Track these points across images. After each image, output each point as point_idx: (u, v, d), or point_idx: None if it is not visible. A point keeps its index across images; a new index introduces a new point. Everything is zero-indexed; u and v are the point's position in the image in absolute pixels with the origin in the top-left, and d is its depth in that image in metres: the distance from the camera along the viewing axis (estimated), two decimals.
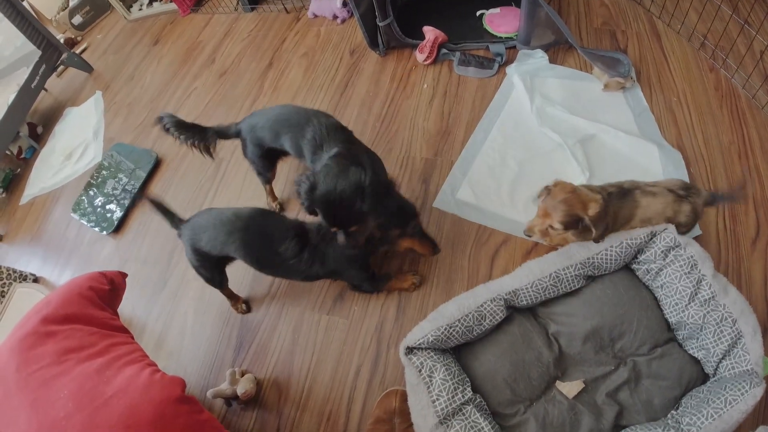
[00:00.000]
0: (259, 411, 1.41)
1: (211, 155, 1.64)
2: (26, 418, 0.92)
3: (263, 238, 1.34)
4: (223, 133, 1.60)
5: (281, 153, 1.55)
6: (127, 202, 2.04)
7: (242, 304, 1.61)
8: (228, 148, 2.01)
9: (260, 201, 1.83)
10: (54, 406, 0.92)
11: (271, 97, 2.14)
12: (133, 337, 1.26)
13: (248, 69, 2.31)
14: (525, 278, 1.24)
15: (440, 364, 1.16)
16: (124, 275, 1.44)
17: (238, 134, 1.58)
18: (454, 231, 1.56)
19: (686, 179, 1.58)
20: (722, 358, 1.11)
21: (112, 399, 0.93)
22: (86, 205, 2.13)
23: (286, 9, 2.49)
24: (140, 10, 2.86)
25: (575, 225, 1.17)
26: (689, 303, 1.17)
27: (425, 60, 1.99)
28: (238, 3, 2.59)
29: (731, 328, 1.10)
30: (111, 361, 1.05)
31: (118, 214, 2.02)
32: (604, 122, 1.70)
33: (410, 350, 1.19)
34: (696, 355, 1.17)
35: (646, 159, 1.60)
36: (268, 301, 1.59)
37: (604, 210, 1.14)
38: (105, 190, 2.12)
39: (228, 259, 1.47)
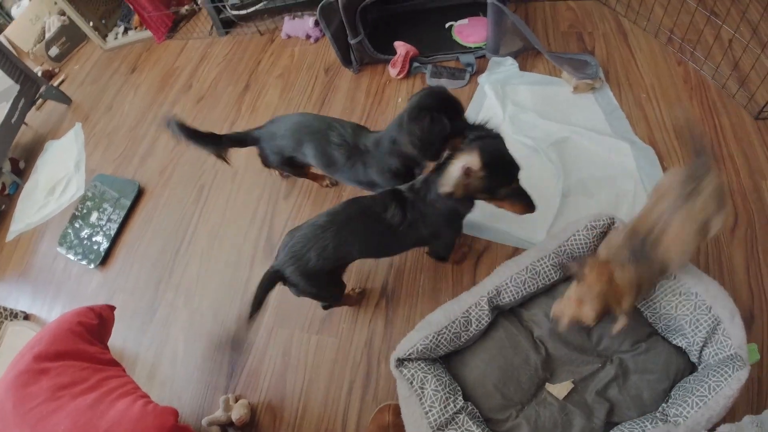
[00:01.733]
0: None
1: (226, 161, 1.61)
2: None
3: (368, 220, 1.24)
4: (239, 141, 1.58)
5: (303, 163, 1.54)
6: (112, 233, 2.04)
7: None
8: (209, 173, 2.03)
9: (246, 220, 1.84)
10: None
11: (249, 119, 2.16)
12: (124, 370, 1.28)
13: (225, 92, 2.33)
14: (503, 274, 1.27)
15: (431, 375, 1.17)
16: (112, 308, 1.45)
17: (255, 142, 1.56)
18: None
19: (660, 173, 1.61)
20: (703, 346, 1.13)
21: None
22: (72, 238, 2.12)
23: (259, 31, 2.51)
24: (116, 38, 2.87)
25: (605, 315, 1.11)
26: (661, 295, 1.19)
27: (398, 74, 2.02)
28: (212, 27, 2.61)
29: (707, 315, 1.11)
30: (104, 395, 1.08)
31: (105, 245, 2.02)
32: (576, 124, 1.73)
33: (401, 362, 1.20)
34: (680, 344, 1.18)
35: (619, 157, 1.64)
36: (257, 324, 1.59)
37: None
38: (90, 221, 2.12)
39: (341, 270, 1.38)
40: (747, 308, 1.34)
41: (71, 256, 2.08)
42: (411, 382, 1.17)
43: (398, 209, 1.21)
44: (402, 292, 1.52)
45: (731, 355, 1.07)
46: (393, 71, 2.02)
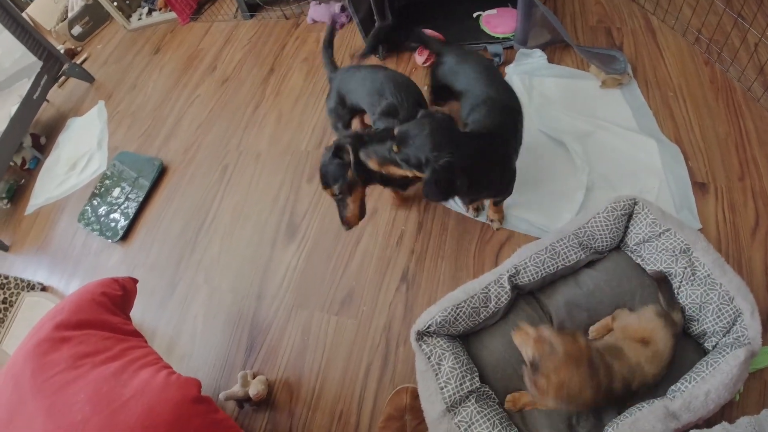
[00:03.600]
0: (271, 412, 1.43)
1: None
2: (42, 423, 0.92)
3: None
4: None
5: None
6: (130, 211, 2.05)
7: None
8: (232, 153, 2.04)
9: (268, 201, 1.86)
10: (71, 411, 0.92)
11: (274, 102, 2.17)
12: (146, 341, 1.28)
13: (250, 75, 2.34)
14: (523, 254, 1.28)
15: (449, 352, 1.19)
16: (135, 281, 1.46)
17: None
18: (458, 229, 1.59)
19: (685, 173, 1.61)
20: (722, 337, 1.13)
21: (129, 401, 0.94)
22: (90, 215, 2.15)
23: (285, 15, 2.52)
24: (140, 19, 2.88)
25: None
26: (685, 284, 1.20)
27: (424, 62, 2.02)
28: (237, 10, 2.62)
29: (729, 305, 1.11)
30: (126, 364, 1.06)
31: (122, 222, 2.04)
32: (602, 119, 1.72)
33: (420, 336, 1.21)
34: (696, 331, 1.19)
35: (645, 154, 1.63)
36: (277, 303, 1.61)
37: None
38: (108, 200, 2.15)
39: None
40: (764, 310, 1.34)
41: (90, 231, 2.10)
42: (429, 357, 1.18)
43: None
44: (423, 278, 1.52)
45: (736, 337, 1.08)
46: (420, 59, 2.02)
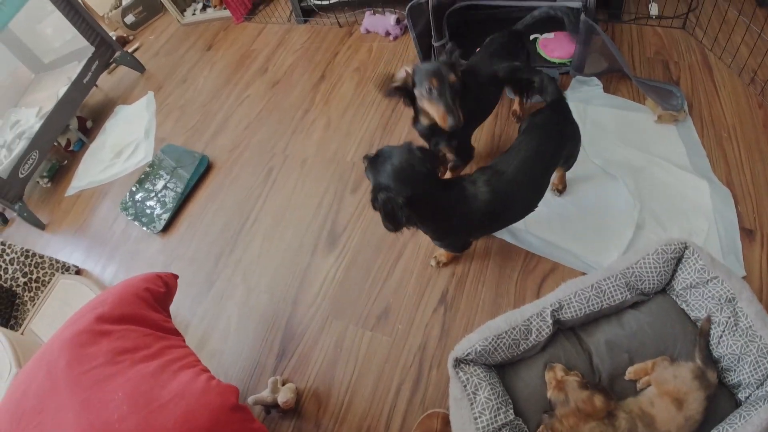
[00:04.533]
0: (298, 421, 1.44)
1: None
2: (75, 417, 0.91)
3: None
4: None
5: None
6: (167, 200, 2.08)
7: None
8: (278, 156, 2.06)
9: (311, 208, 1.87)
10: (107, 408, 0.92)
11: (323, 109, 2.19)
12: (184, 340, 1.28)
13: (300, 80, 2.36)
14: (568, 289, 1.27)
15: (485, 382, 1.18)
16: (176, 277, 1.48)
17: None
18: (501, 255, 1.58)
19: (735, 218, 1.58)
20: (755, 389, 1.11)
21: (168, 403, 0.94)
22: (130, 203, 2.19)
23: (339, 23, 2.54)
24: (194, 14, 2.94)
25: None
26: (727, 333, 1.18)
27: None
28: (291, 14, 2.65)
29: (766, 359, 1.09)
30: (166, 364, 1.05)
31: (158, 211, 2.07)
32: (655, 154, 1.70)
33: (458, 363, 1.21)
34: (732, 381, 1.16)
35: (696, 195, 1.60)
36: (313, 311, 1.62)
37: None
38: (149, 189, 2.19)
39: None
40: None
41: (131, 219, 2.14)
42: (465, 386, 1.17)
43: None
44: (462, 303, 1.52)
45: None
46: None
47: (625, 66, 1.77)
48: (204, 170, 2.13)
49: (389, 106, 2.10)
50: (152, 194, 2.16)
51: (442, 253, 1.58)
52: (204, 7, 2.96)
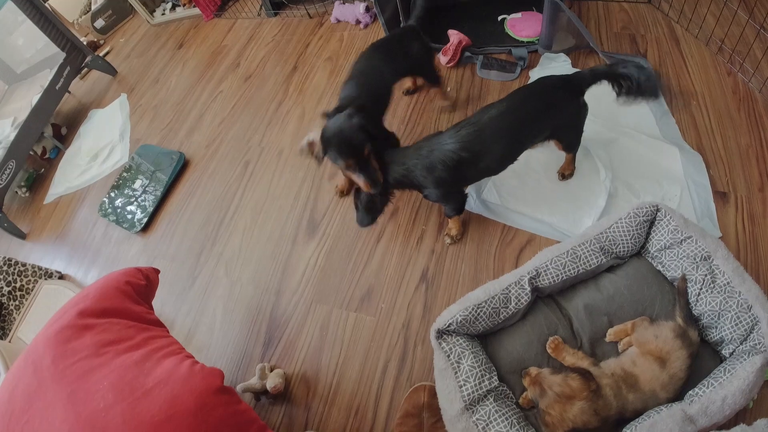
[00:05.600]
0: (288, 406, 1.44)
1: None
2: (62, 410, 0.91)
3: None
4: None
5: None
6: (147, 204, 2.07)
7: None
8: (254, 149, 2.06)
9: (289, 198, 1.88)
10: (93, 398, 0.92)
11: (297, 100, 2.19)
12: (168, 331, 1.28)
13: (273, 73, 2.36)
14: (544, 257, 1.30)
15: (468, 351, 1.20)
16: (157, 271, 1.47)
17: None
18: (478, 231, 1.60)
19: (707, 182, 1.61)
20: (739, 345, 1.14)
21: (153, 390, 0.94)
22: (108, 206, 2.17)
23: (309, 14, 2.54)
24: (163, 14, 2.91)
25: None
26: (705, 291, 1.21)
27: (448, 62, 2.03)
28: (261, 8, 2.64)
29: (747, 314, 1.12)
30: (150, 353, 1.05)
31: (140, 215, 2.06)
32: (626, 126, 1.73)
33: (440, 335, 1.23)
34: (714, 338, 1.20)
35: (667, 162, 1.63)
36: (297, 298, 1.63)
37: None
38: (127, 192, 2.17)
39: None
40: None
41: (110, 221, 2.12)
42: (449, 355, 1.19)
43: None
44: (442, 279, 1.54)
45: (753, 345, 1.09)
46: (444, 59, 2.04)
47: (592, 41, 1.80)
48: (179, 167, 2.12)
49: None
50: (133, 199, 2.14)
51: (451, 227, 1.58)
52: (173, 7, 2.94)
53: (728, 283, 1.18)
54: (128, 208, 2.13)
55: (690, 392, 1.08)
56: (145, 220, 2.04)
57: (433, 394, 1.26)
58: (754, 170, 1.64)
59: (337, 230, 1.74)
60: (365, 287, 1.58)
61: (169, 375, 0.99)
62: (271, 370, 1.48)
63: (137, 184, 2.18)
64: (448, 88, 1.99)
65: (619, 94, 1.43)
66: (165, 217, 2.03)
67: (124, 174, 2.24)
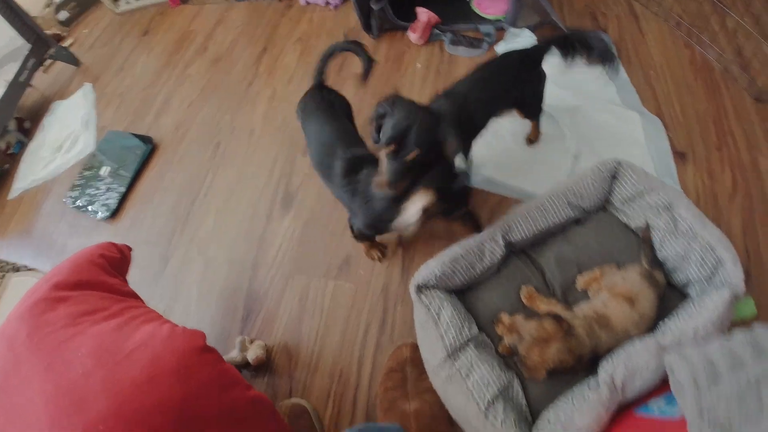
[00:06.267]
0: (271, 376, 1.44)
1: None
2: (40, 382, 0.88)
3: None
4: None
5: None
6: (116, 190, 2.02)
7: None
8: (225, 130, 2.05)
9: (263, 176, 1.88)
10: (71, 366, 0.89)
11: (267, 81, 2.19)
12: (144, 303, 1.27)
13: (242, 55, 2.35)
14: (515, 212, 1.35)
15: (447, 303, 1.23)
16: (129, 249, 1.45)
17: None
18: None
19: (666, 144, 1.69)
20: (706, 284, 1.19)
21: (133, 352, 0.91)
22: (74, 196, 2.12)
23: None
24: (128, 3, 2.86)
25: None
26: (668, 237, 1.27)
27: (418, 40, 2.07)
28: None
29: (712, 254, 1.17)
30: (128, 320, 1.03)
31: (110, 201, 2.01)
32: (588, 94, 1.80)
33: (419, 290, 1.25)
34: (682, 281, 1.26)
35: (628, 126, 1.71)
36: (274, 271, 1.63)
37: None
38: (95, 181, 2.12)
39: None
40: (744, 268, 1.42)
41: (78, 212, 2.07)
42: (428, 308, 1.22)
43: (342, 170, 1.26)
44: (418, 241, 1.57)
45: (719, 282, 1.15)
46: (413, 36, 2.07)
47: (555, 17, 1.87)
48: (149, 151, 2.08)
49: (333, 71, 2.12)
50: (99, 186, 2.09)
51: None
52: None
53: (690, 228, 1.23)
54: (96, 195, 2.08)
55: (663, 326, 1.12)
56: (114, 206, 2.00)
57: (415, 349, 1.28)
58: (711, 132, 1.73)
59: (313, 202, 1.75)
60: (343, 255, 1.59)
61: (150, 337, 0.97)
62: (251, 343, 1.48)
63: (104, 171, 2.13)
64: (418, 65, 2.03)
65: (566, 57, 1.49)
66: (134, 202, 2.00)
67: (91, 162, 2.19)
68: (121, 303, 1.15)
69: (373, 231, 1.34)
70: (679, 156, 1.66)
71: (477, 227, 1.39)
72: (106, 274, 1.24)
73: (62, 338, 0.95)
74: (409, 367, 1.29)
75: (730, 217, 1.53)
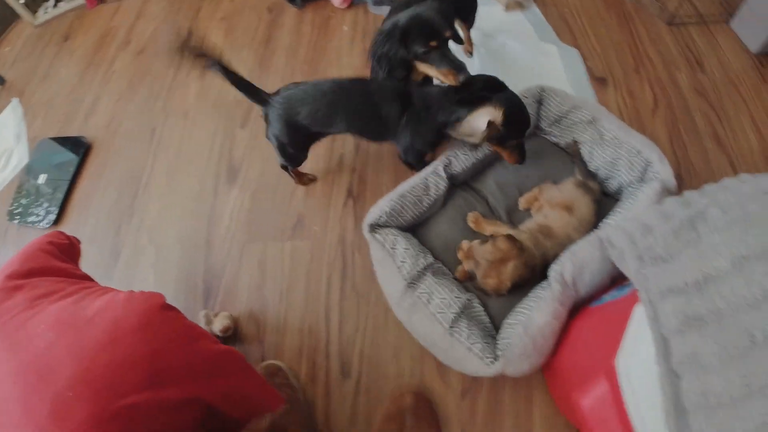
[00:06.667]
0: (241, 345, 1.44)
1: None
2: (5, 363, 0.87)
3: (367, 104, 1.29)
4: None
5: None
6: (56, 196, 1.96)
7: (309, 177, 1.68)
8: (158, 116, 2.02)
9: (204, 153, 1.87)
10: (33, 342, 0.88)
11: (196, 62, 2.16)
12: (98, 283, 1.25)
13: (167, 42, 2.31)
14: (454, 147, 1.41)
15: (401, 237, 1.27)
16: (79, 241, 1.43)
17: None
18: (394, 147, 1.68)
19: (584, 70, 1.79)
20: (638, 183, 1.28)
21: (94, 318, 0.91)
22: (14, 210, 2.03)
23: None
24: (46, 12, 2.75)
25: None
26: (596, 148, 1.35)
27: (341, 4, 2.10)
28: None
29: (638, 157, 1.26)
30: (85, 295, 1.02)
31: (48, 209, 1.95)
32: (508, 33, 1.88)
33: (373, 229, 1.28)
34: (614, 188, 1.35)
35: (547, 59, 1.81)
36: (228, 244, 1.62)
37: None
38: (30, 191, 2.05)
39: (317, 137, 1.43)
40: (675, 172, 1.52)
41: (22, 224, 1.99)
42: (383, 245, 1.26)
43: (398, 108, 1.27)
44: (367, 191, 1.61)
45: (651, 179, 1.23)
46: (336, 1, 2.10)
47: None
48: (84, 152, 2.02)
49: (261, 46, 2.13)
50: (38, 195, 2.02)
51: None
52: (55, 3, 2.78)
53: (615, 137, 1.32)
54: (36, 206, 2.00)
55: (601, 224, 1.21)
56: (56, 212, 1.94)
57: (419, 399, 1.24)
58: (628, 57, 1.84)
59: (259, 170, 1.75)
60: (295, 216, 1.61)
61: (108, 303, 0.96)
62: (216, 317, 1.47)
63: (41, 179, 2.05)
64: (345, 28, 2.06)
65: None
66: (76, 204, 1.93)
67: (27, 174, 2.11)
68: (77, 284, 1.13)
69: (433, 145, 1.37)
70: (599, 81, 1.77)
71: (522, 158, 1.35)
72: (57, 260, 1.23)
73: (22, 320, 0.94)
74: (409, 417, 1.23)
75: (655, 129, 1.64)
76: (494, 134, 1.20)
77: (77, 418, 0.78)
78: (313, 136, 1.42)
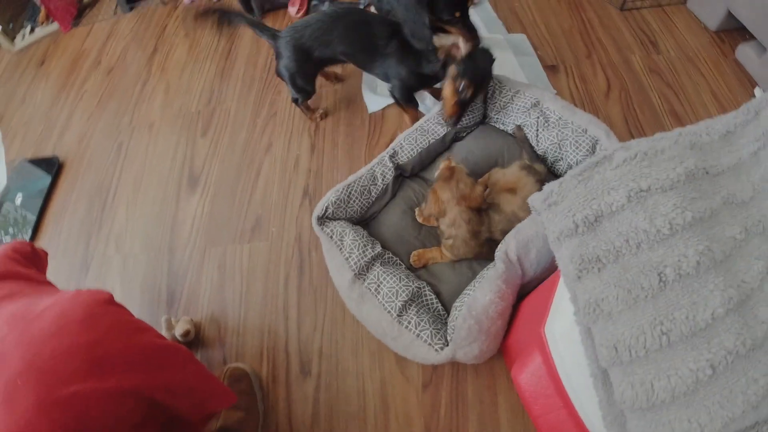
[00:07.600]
0: (203, 349, 1.45)
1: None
2: None
3: (366, 36, 1.43)
4: None
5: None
6: (29, 215, 2.00)
7: (319, 112, 1.81)
8: (125, 131, 2.06)
9: (166, 163, 1.90)
10: None
11: (161, 77, 2.22)
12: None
13: (134, 59, 2.37)
14: (399, 137, 1.44)
15: (349, 229, 1.29)
16: (45, 252, 1.45)
17: None
18: (347, 141, 1.74)
19: (535, 57, 1.81)
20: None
21: (43, 312, 0.94)
22: None
23: (163, 2, 2.59)
24: (23, 39, 2.83)
25: None
26: (541, 130, 1.36)
27: (297, 12, 2.14)
28: (116, 7, 2.65)
29: (585, 136, 1.27)
30: (41, 295, 1.05)
31: (23, 228, 1.99)
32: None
33: (322, 221, 1.30)
34: (564, 168, 1.35)
35: (499, 51, 1.80)
36: (190, 249, 1.64)
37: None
38: (5, 212, 2.09)
39: (321, 65, 1.60)
40: None
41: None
42: (331, 236, 1.27)
43: (388, 30, 1.41)
44: (323, 190, 1.62)
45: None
46: (293, 10, 2.15)
47: None
48: (57, 170, 2.07)
49: (222, 57, 2.19)
50: (17, 216, 2.06)
51: None
52: (32, 29, 2.86)
53: (560, 118, 1.33)
54: (13, 225, 2.04)
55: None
56: (31, 230, 1.97)
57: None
58: (579, 44, 1.86)
59: (218, 176, 1.78)
60: (253, 218, 1.63)
61: (58, 298, 1.00)
62: (177, 322, 1.48)
63: (18, 200, 2.10)
64: None
65: None
66: (50, 220, 1.96)
67: (5, 196, 2.16)
68: (37, 287, 1.16)
69: (419, 78, 1.47)
70: (551, 69, 1.78)
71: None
72: (20, 266, 1.25)
73: None
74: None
75: (610, 111, 1.66)
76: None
77: (24, 404, 0.80)
78: (317, 64, 1.57)
